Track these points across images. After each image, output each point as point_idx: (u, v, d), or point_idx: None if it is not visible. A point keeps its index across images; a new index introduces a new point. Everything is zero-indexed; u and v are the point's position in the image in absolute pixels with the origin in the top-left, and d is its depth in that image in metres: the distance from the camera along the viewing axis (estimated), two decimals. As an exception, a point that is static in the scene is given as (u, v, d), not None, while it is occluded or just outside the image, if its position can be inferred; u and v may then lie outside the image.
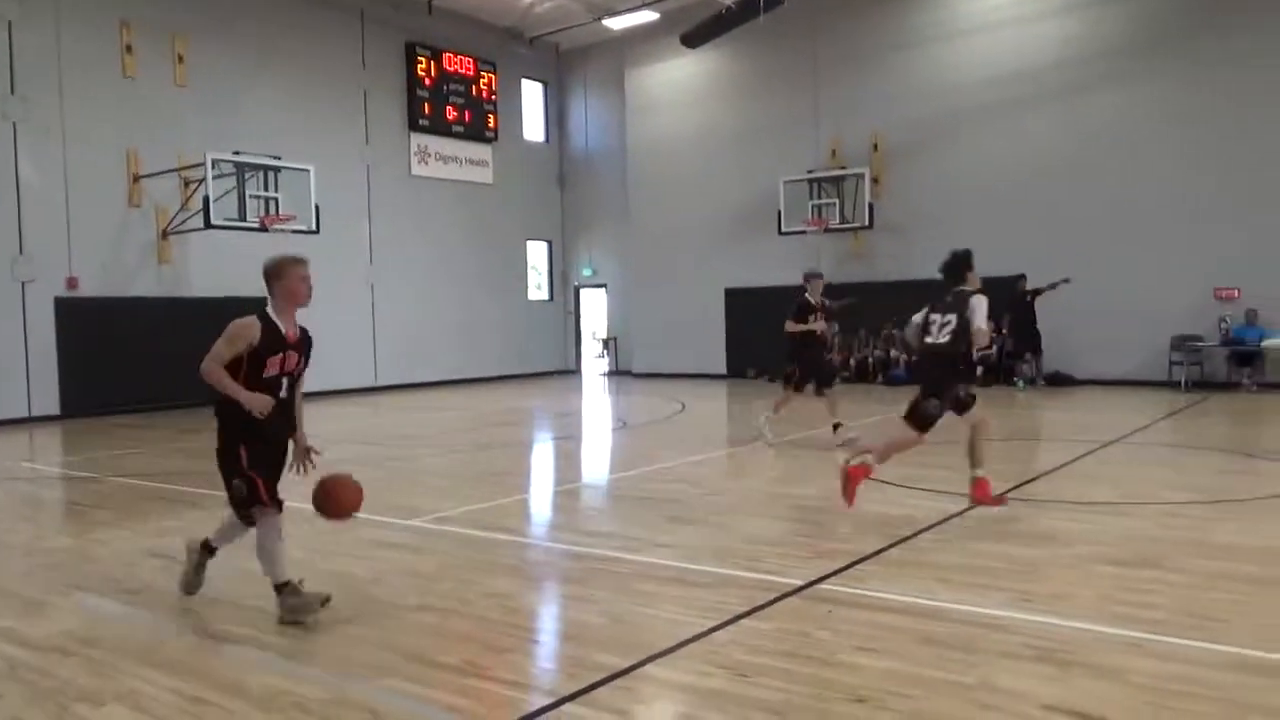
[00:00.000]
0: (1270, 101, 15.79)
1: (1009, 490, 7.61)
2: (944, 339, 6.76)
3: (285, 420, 4.88)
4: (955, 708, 3.60)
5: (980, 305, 6.72)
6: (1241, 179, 16.02)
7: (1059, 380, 17.30)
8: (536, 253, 25.48)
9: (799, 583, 5.21)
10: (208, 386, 4.66)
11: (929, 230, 18.64)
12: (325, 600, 4.74)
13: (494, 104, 23.21)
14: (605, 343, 25.38)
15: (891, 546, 6.00)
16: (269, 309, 4.81)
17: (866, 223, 19.30)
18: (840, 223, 19.56)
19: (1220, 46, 16.19)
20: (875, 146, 19.69)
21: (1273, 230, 15.78)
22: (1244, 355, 16.15)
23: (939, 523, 6.65)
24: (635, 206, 23.60)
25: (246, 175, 16.67)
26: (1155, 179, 16.72)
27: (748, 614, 4.73)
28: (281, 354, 4.77)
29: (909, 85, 19.30)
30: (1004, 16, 18.35)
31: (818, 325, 10.72)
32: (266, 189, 16.95)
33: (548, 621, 5.04)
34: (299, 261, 4.90)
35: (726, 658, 4.15)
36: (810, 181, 19.86)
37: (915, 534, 6.32)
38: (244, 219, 16.55)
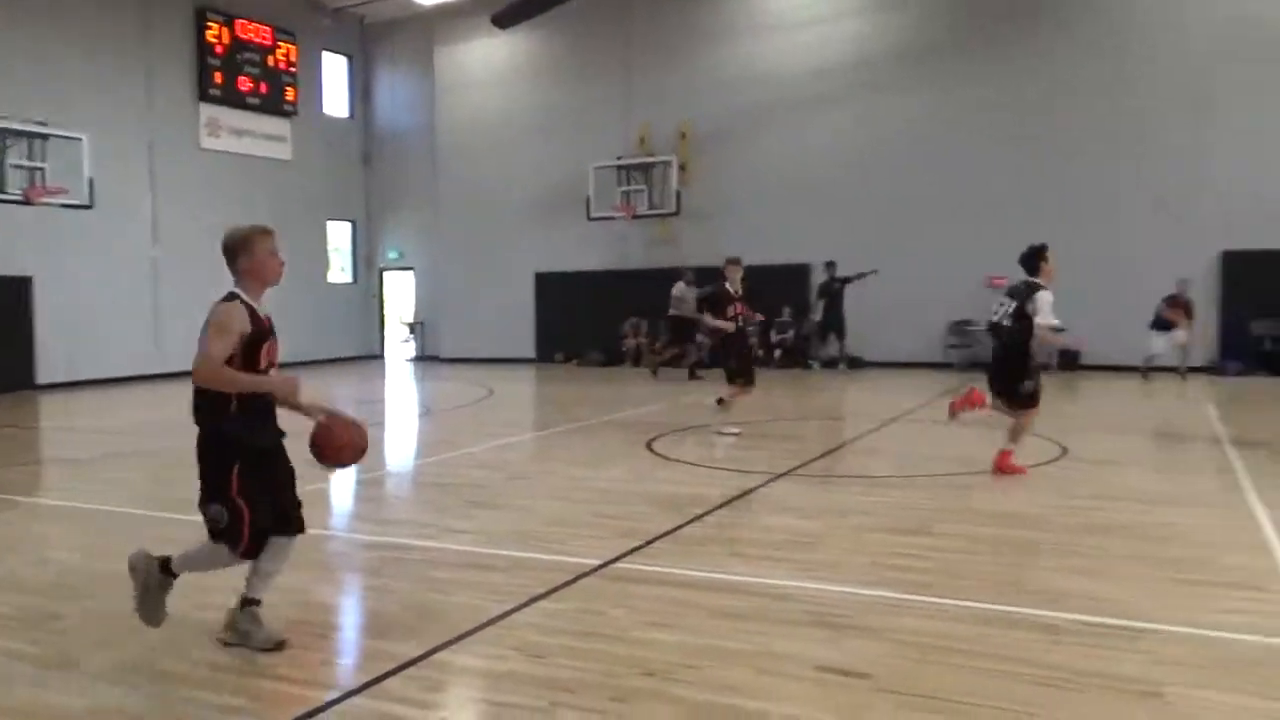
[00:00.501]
0: (1039, 108, 17.25)
1: (798, 467, 8.02)
2: (1006, 322, 7.47)
3: (278, 426, 4.19)
4: (738, 675, 3.77)
5: (1045, 299, 7.50)
6: (1013, 175, 17.44)
7: (853, 363, 18.35)
8: (339, 233, 24.53)
9: (596, 563, 5.30)
10: (196, 399, 3.97)
11: (733, 218, 19.31)
12: (280, 644, 4.10)
13: (293, 76, 22.09)
14: (412, 327, 24.79)
15: (687, 524, 6.20)
16: (238, 290, 4.08)
17: (674, 210, 19.73)
18: (649, 209, 19.91)
19: (997, 55, 17.57)
20: (683, 135, 20.13)
21: (1039, 222, 17.21)
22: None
23: (733, 499, 6.92)
24: (444, 187, 23.14)
25: (8, 143, 15.17)
26: (938, 174, 17.94)
27: (544, 596, 4.77)
28: (269, 342, 4.11)
29: (717, 76, 19.84)
30: (806, 15, 19.15)
31: (729, 325, 9.98)
32: (32, 158, 15.49)
33: (340, 614, 4.90)
34: (267, 232, 4.14)
35: (521, 640, 4.17)
36: (619, 168, 20.10)
37: (709, 511, 6.56)
38: (2, 190, 15.06)
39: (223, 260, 4.07)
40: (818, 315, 18.11)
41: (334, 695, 3.64)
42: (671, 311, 17.40)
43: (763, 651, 4.00)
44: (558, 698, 3.58)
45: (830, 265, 17.81)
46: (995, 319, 7.65)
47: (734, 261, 10.26)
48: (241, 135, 21.21)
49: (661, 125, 20.32)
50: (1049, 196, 17.12)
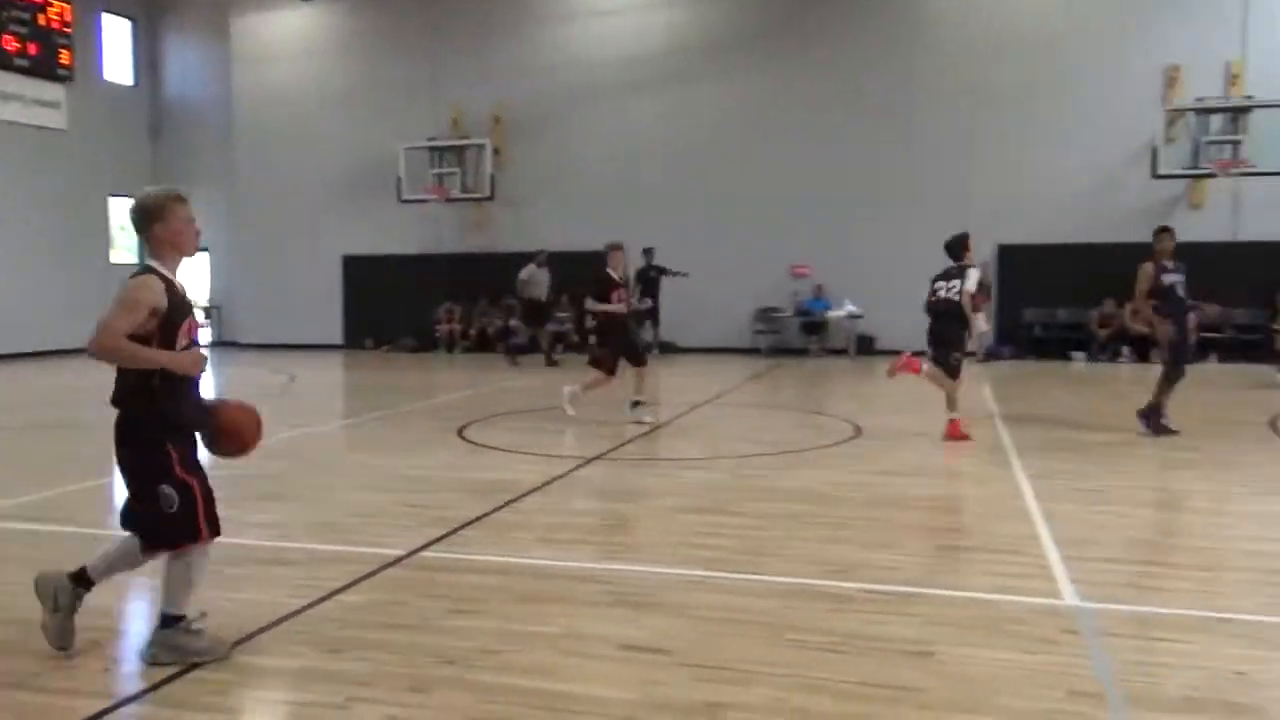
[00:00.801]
0: (840, 103, 18.13)
1: (610, 450, 8.13)
2: (954, 296, 8.73)
3: (201, 405, 3.85)
4: (542, 658, 3.78)
5: (974, 275, 8.89)
6: (815, 167, 18.26)
7: (665, 348, 18.73)
8: (123, 211, 22.74)
9: (400, 553, 5.18)
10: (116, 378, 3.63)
11: (550, 204, 19.29)
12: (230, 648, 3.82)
13: (68, 37, 20.25)
14: (207, 311, 23.35)
15: (496, 510, 6.16)
16: (152, 263, 3.73)
17: (488, 194, 19.49)
18: (462, 193, 19.58)
19: (801, 49, 18.33)
20: (497, 119, 19.89)
21: (837, 216, 18.18)
22: (812, 325, 18.53)
23: (543, 485, 6.93)
24: (242, 164, 21.88)
25: None
26: (746, 164, 18.54)
27: (344, 589, 4.62)
28: (189, 318, 3.78)
29: (532, 60, 19.70)
30: (621, 2, 19.31)
31: (619, 308, 9.91)
32: None
33: (118, 619, 4.56)
34: (183, 199, 3.81)
35: (317, 635, 4.02)
36: (431, 149, 19.64)
37: (519, 497, 6.54)
38: None
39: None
40: (635, 301, 18.35)
41: (108, 704, 3.40)
42: (525, 295, 17.09)
43: (567, 634, 4.03)
44: (354, 692, 3.48)
45: (648, 252, 18.08)
46: (939, 295, 8.93)
47: (616, 247, 10.14)
48: (9, 100, 19.29)
49: (475, 107, 19.99)
50: (849, 189, 18.08)
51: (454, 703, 3.40)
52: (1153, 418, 8.80)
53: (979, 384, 13.46)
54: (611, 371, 9.94)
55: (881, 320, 17.88)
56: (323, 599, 4.47)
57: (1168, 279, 8.80)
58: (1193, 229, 16.52)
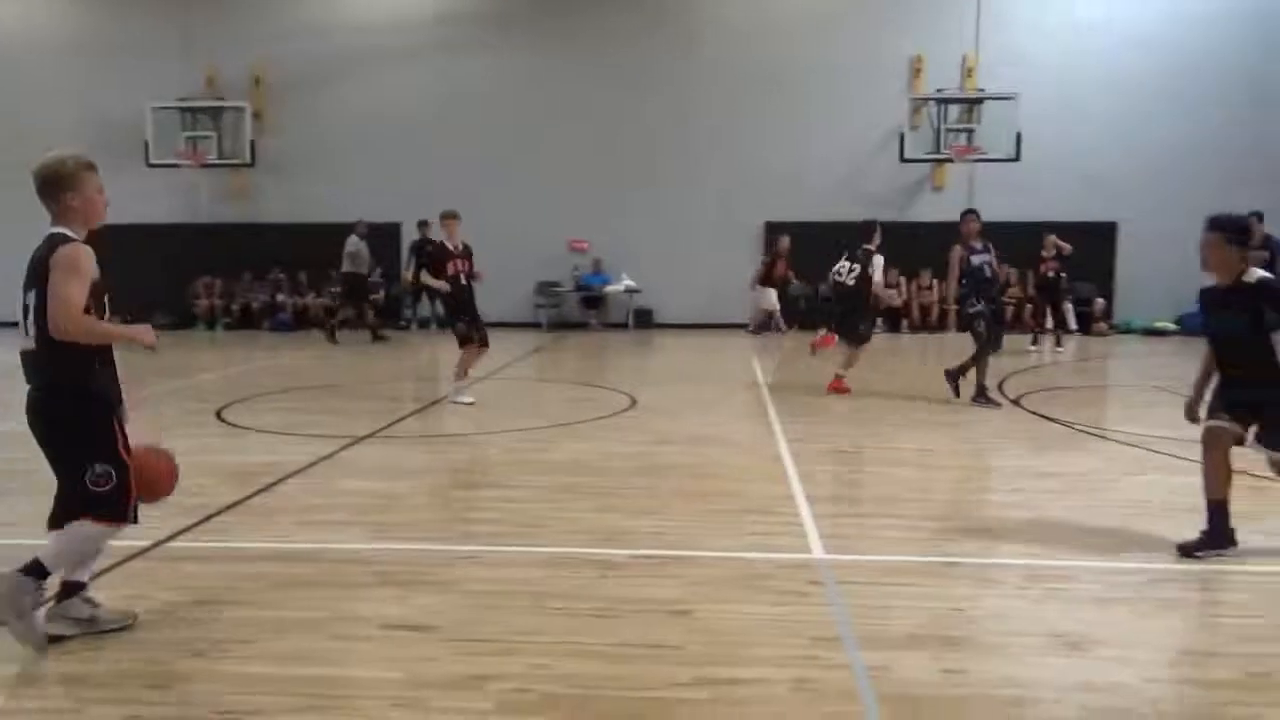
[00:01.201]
0: (617, 79, 18.30)
1: (382, 429, 7.92)
2: (850, 281, 9.62)
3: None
4: (300, 644, 3.65)
5: (879, 262, 9.72)
6: (592, 142, 18.37)
7: (445, 323, 18.35)
8: None
9: (146, 544, 4.82)
10: (39, 354, 3.51)
11: (317, 172, 18.37)
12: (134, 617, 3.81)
13: None
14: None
15: (255, 495, 5.86)
16: (65, 231, 3.57)
17: (248, 160, 18.31)
18: (219, 158, 18.29)
19: (575, 26, 18.37)
20: (257, 80, 18.69)
21: (614, 190, 18.42)
22: (591, 299, 18.76)
23: (307, 466, 6.65)
24: (-44, 120, 19.40)
25: None
26: (523, 138, 18.36)
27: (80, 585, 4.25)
28: (106, 289, 3.63)
29: (295, 20, 18.62)
30: (385, -37, 18.61)
31: (443, 285, 9.70)
32: None
33: None
34: (94, 167, 3.67)
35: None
36: (183, 110, 18.20)
37: (280, 480, 6.25)
38: None
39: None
40: (409, 274, 17.81)
41: None
42: (346, 268, 16.11)
43: (330, 617, 3.91)
44: (89, 694, 3.24)
45: (423, 224, 17.56)
46: (839, 279, 9.84)
47: (452, 216, 9.91)
48: None
49: (232, 67, 18.68)
50: (626, 163, 18.35)
51: (200, 696, 3.23)
52: (979, 395, 9.26)
53: (749, 355, 14.12)
54: (483, 342, 9.71)
55: (659, 294, 18.37)
56: (54, 598, 4.10)
57: (976, 259, 9.43)
58: (935, 210, 18.05)
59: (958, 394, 9.39)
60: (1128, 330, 17.03)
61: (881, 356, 14.75)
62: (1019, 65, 17.15)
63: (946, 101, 17.05)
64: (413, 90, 18.58)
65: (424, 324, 18.14)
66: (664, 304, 18.46)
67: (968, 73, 17.69)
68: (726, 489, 6.06)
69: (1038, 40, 17.48)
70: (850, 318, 9.94)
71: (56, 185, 3.61)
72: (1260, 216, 11.24)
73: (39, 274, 3.50)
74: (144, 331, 3.77)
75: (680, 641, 3.67)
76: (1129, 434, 7.89)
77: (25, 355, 3.61)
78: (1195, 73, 17.11)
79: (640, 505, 5.67)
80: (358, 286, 16.29)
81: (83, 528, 3.61)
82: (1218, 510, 4.63)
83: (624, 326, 18.34)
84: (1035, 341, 14.76)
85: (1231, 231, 4.66)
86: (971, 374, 9.35)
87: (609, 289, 18.54)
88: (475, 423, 8.54)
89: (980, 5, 17.50)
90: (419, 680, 3.34)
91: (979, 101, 16.88)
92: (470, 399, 9.43)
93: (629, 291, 18.31)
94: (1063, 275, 14.52)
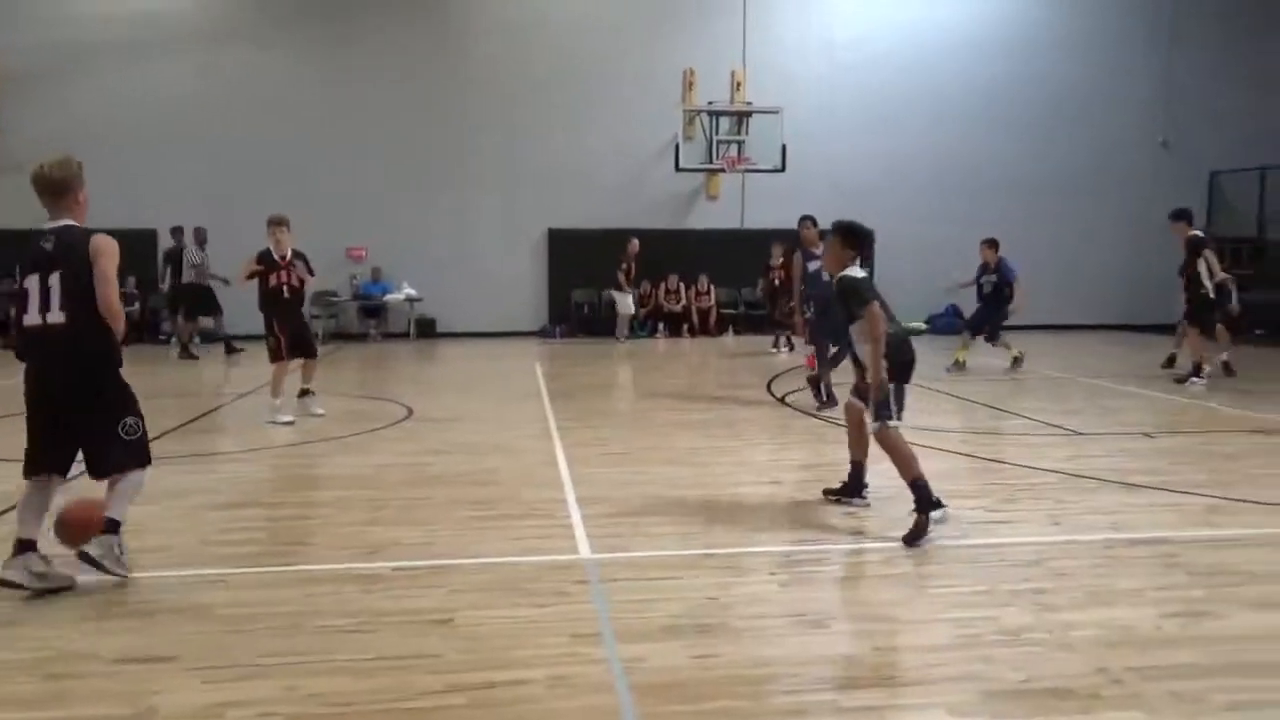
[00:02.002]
0: (384, 84, 17.85)
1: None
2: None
3: None
4: (15, 688, 3.35)
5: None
6: (366, 149, 17.83)
7: (209, 337, 17.27)
8: None
9: None
10: (72, 328, 4.19)
11: (58, 175, 16.81)
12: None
13: None
14: None
15: (-25, 528, 5.30)
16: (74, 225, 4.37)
17: (-21, 160, 16.52)
18: (-59, 158, 16.39)
19: (343, 27, 17.79)
20: (-14, 73, 16.94)
21: (391, 196, 17.95)
22: (371, 309, 18.23)
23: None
24: None
25: None
26: (291, 141, 17.52)
27: None
28: None
29: (31, 7, 17.02)
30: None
31: (289, 281, 9.16)
32: None
33: None
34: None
35: None
36: (-106, 104, 16.20)
37: (8, 509, 5.68)
38: None
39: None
40: (165, 285, 16.60)
41: None
42: (191, 279, 15.06)
43: (53, 656, 3.61)
44: None
45: (176, 231, 16.45)
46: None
47: (278, 222, 9.35)
48: None
49: (-47, 57, 16.83)
50: (403, 169, 17.96)
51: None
52: (825, 398, 9.32)
53: (533, 362, 14.16)
54: (308, 353, 9.27)
55: (442, 302, 18.12)
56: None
57: (812, 265, 9.59)
58: (709, 218, 18.84)
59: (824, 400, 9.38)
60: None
61: (661, 359, 15.22)
62: (783, 81, 18.14)
63: (717, 114, 17.79)
64: (169, 88, 17.39)
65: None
66: (447, 313, 18.23)
67: (737, 86, 18.53)
68: (500, 496, 6.06)
69: (800, 58, 18.57)
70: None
71: (72, 183, 4.41)
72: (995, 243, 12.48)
73: (71, 259, 4.18)
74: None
75: (439, 650, 3.64)
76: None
77: (51, 329, 4.18)
78: (943, 92, 18.68)
79: (410, 517, 5.58)
80: (201, 300, 15.38)
81: (135, 476, 4.36)
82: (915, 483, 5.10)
83: (405, 336, 17.95)
84: (776, 344, 15.39)
85: (848, 235, 5.63)
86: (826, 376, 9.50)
87: (389, 298, 18.09)
88: (241, 440, 8.11)
89: (746, 22, 18.37)
90: (148, 715, 3.15)
91: (747, 115, 17.71)
92: (290, 418, 8.79)
93: (410, 300, 17.94)
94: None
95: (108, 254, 4.20)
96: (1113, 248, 18.92)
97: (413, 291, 17.88)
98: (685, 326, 18.35)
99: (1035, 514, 5.58)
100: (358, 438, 8.14)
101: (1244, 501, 5.85)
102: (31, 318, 4.22)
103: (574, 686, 3.37)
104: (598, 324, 18.38)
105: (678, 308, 18.48)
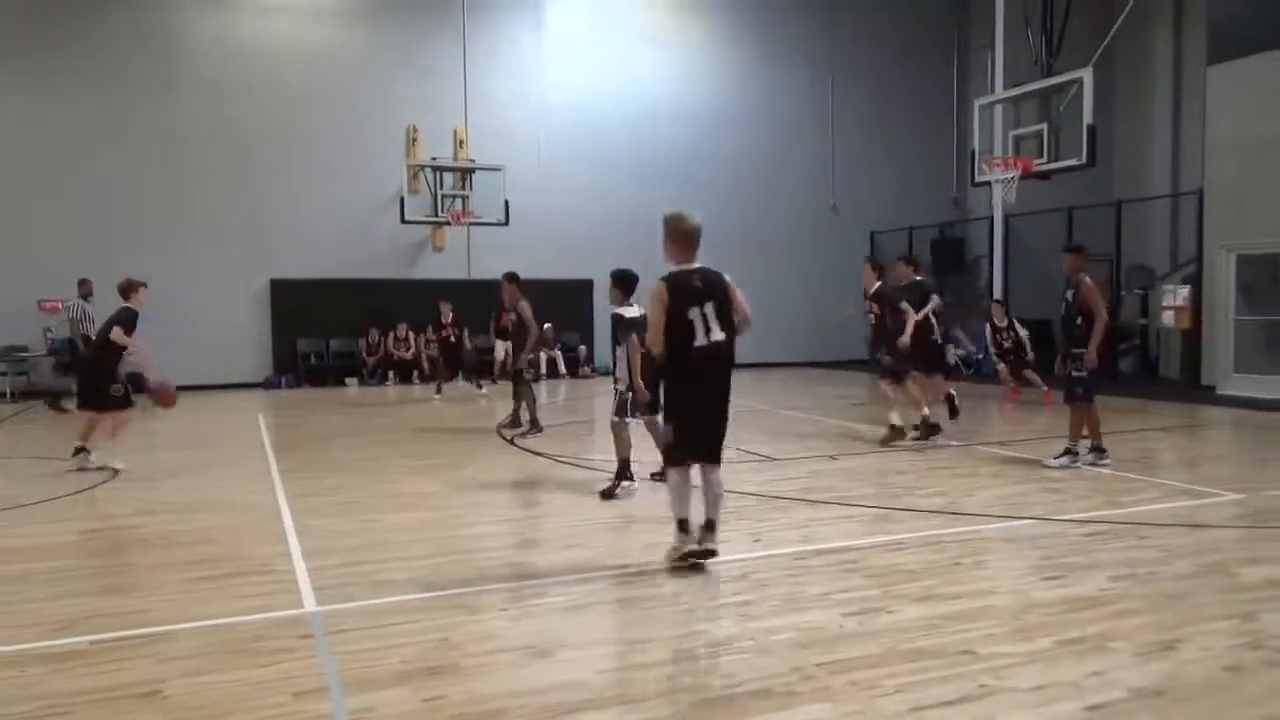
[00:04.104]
0: (100, 127, 16.54)
1: None
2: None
3: None
4: None
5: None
6: (77, 193, 16.43)
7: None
8: None
9: None
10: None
11: None
12: None
13: None
14: None
15: None
16: None
17: None
18: None
19: (58, 67, 16.38)
20: None
21: (101, 241, 16.44)
22: (66, 364, 16.55)
23: None
24: None
25: None
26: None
27: None
28: None
29: None
30: None
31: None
32: None
33: None
34: None
35: None
36: None
37: None
38: None
39: None
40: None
41: None
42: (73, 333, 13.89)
43: None
44: None
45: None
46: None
47: (131, 287, 9.44)
48: None
49: None
50: (116, 214, 16.71)
51: None
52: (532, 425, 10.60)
53: (255, 414, 13.46)
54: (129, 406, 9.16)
55: (155, 354, 16.70)
56: None
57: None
58: (436, 268, 18.90)
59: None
60: (608, 372, 19.01)
61: (392, 405, 14.97)
62: (504, 140, 18.79)
63: (441, 169, 17.97)
64: None
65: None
66: (161, 364, 16.84)
67: (460, 144, 18.79)
68: (217, 554, 5.76)
69: (519, 119, 19.27)
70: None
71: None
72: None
73: None
74: None
75: (146, 723, 3.45)
76: (607, 461, 8.89)
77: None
78: (650, 155, 19.99)
79: (112, 584, 5.19)
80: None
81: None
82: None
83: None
84: (480, 384, 16.02)
85: (621, 281, 7.28)
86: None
87: (89, 352, 16.51)
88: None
89: (467, 83, 18.79)
90: None
91: (470, 171, 18.03)
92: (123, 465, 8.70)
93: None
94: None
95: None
96: (796, 295, 20.88)
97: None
98: (415, 373, 18.21)
99: (739, 533, 6.08)
100: (49, 505, 7.40)
101: (908, 510, 6.70)
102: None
103: (296, 743, 3.31)
104: (325, 372, 17.80)
105: (408, 355, 18.32)
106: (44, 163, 16.40)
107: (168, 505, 7.30)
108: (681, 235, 5.46)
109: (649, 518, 6.49)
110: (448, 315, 15.93)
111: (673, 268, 5.39)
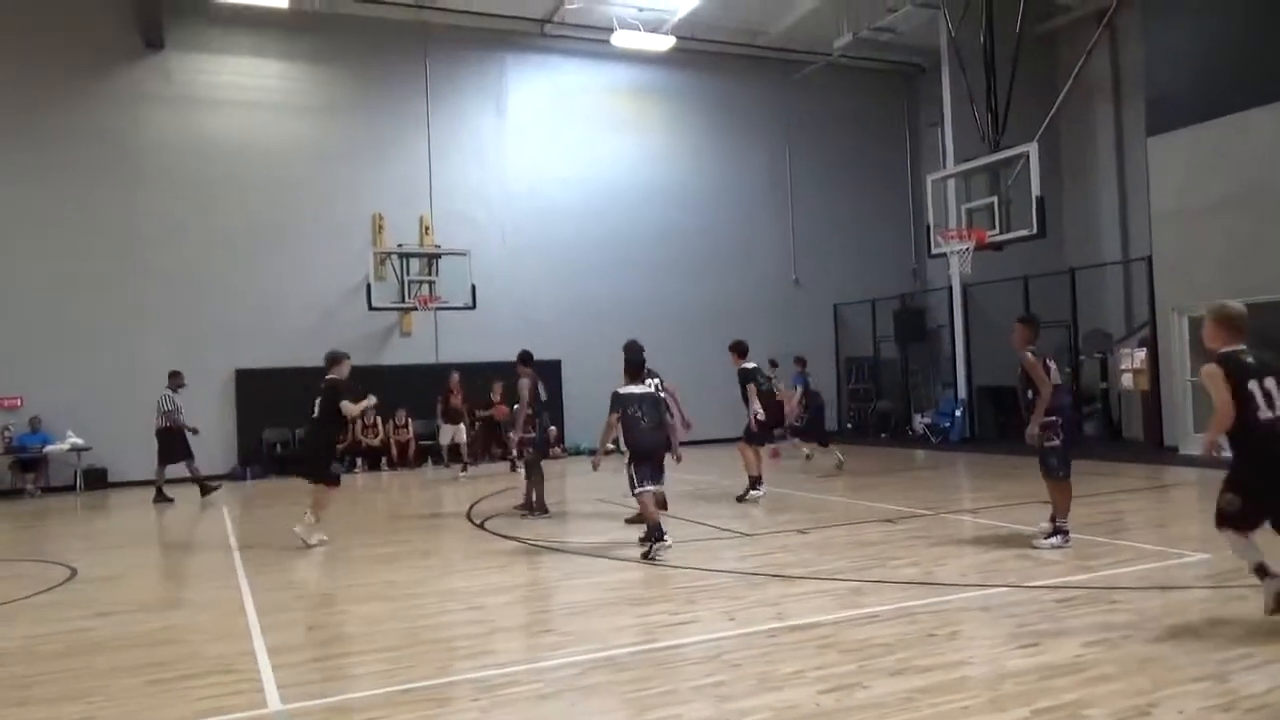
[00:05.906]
0: (61, 220, 16.56)
1: None
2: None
3: None
4: None
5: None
6: (26, 289, 16.32)
7: None
8: None
9: None
10: None
11: None
12: None
13: None
14: None
15: None
16: None
17: None
18: None
19: (22, 161, 16.40)
20: None
21: (51, 341, 16.38)
22: (28, 461, 16.25)
23: None
24: None
25: None
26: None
27: None
28: None
29: None
30: None
31: None
32: None
33: None
34: None
35: None
36: None
37: None
38: None
39: None
40: None
41: None
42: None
43: None
44: None
45: None
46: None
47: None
48: None
49: None
50: (64, 310, 16.59)
51: None
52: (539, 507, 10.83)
53: (221, 510, 13.22)
54: None
55: (115, 450, 16.55)
56: None
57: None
58: (405, 354, 18.90)
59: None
60: (578, 452, 19.02)
61: (360, 493, 14.75)
62: (469, 225, 19.13)
63: (407, 255, 18.13)
64: None
65: None
66: (121, 461, 16.63)
67: (425, 230, 19.00)
68: (177, 655, 5.60)
69: (482, 205, 19.65)
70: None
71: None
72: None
73: None
74: None
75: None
76: (579, 543, 8.82)
77: None
78: (614, 237, 20.43)
79: (66, 691, 5.00)
80: None
81: None
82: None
83: (71, 490, 16.15)
84: (465, 468, 16.27)
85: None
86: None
87: (50, 449, 16.24)
88: None
89: (431, 171, 19.11)
90: None
91: (437, 256, 18.21)
92: None
93: (76, 450, 16.22)
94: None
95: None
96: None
97: (79, 440, 16.20)
98: (384, 459, 18.04)
99: (712, 612, 6.02)
100: (13, 604, 7.19)
101: (880, 582, 6.67)
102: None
103: (258, 847, 3.19)
104: (291, 462, 17.55)
105: (376, 441, 18.15)
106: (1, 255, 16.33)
107: (125, 605, 7.11)
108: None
109: (619, 600, 6.41)
110: (497, 392, 16.26)
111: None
